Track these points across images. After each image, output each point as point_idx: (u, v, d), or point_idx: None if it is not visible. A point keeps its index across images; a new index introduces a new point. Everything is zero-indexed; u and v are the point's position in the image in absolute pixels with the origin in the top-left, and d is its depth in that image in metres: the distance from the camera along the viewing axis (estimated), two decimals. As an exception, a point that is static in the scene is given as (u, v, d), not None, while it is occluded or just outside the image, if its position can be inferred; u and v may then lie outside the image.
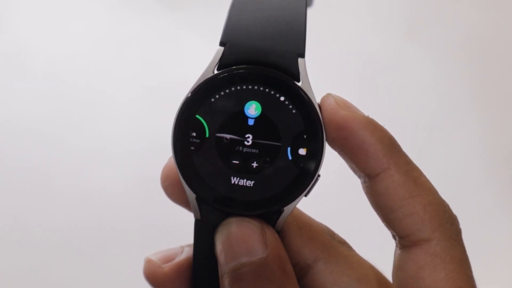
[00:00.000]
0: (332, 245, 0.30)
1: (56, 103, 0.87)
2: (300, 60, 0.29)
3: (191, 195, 0.29)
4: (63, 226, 0.81)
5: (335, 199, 0.75)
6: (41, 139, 0.85)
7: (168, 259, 0.32)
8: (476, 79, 0.90)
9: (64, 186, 0.83)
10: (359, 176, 0.29)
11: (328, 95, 0.29)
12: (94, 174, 0.84)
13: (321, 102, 0.29)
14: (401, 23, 0.94)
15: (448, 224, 0.28)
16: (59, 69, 0.90)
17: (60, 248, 0.80)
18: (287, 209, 0.29)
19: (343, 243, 0.31)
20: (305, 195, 0.29)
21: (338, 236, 0.31)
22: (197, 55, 0.92)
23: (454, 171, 0.85)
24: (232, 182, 0.29)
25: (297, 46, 0.29)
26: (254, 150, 0.29)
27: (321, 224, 0.31)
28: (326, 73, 0.89)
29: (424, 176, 0.29)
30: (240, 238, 0.28)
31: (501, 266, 0.79)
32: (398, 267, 0.29)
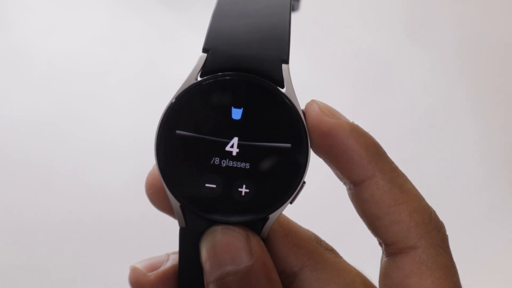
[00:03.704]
0: (318, 252, 0.30)
1: (58, 100, 0.88)
2: (284, 66, 0.29)
3: (175, 203, 0.29)
4: (64, 220, 0.81)
5: (321, 205, 0.75)
6: (43, 134, 0.86)
7: (153, 267, 0.31)
8: (475, 79, 0.90)
9: (66, 181, 0.84)
10: (345, 183, 0.29)
11: (313, 101, 0.29)
12: (95, 169, 0.85)
13: (305, 109, 0.29)
14: (400, 22, 0.93)
15: (434, 231, 0.28)
16: (61, 66, 0.90)
17: (61, 242, 0.81)
18: (273, 216, 0.28)
19: (330, 250, 0.31)
20: (291, 202, 0.29)
21: (324, 243, 0.31)
22: (197, 55, 0.92)
23: (452, 171, 0.84)
24: None
25: (281, 52, 0.29)
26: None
27: (308, 231, 0.31)
28: (325, 72, 0.89)
29: (410, 183, 0.29)
30: (225, 246, 0.28)
31: (500, 268, 0.79)
32: (384, 275, 0.29)
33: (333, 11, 0.95)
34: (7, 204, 0.82)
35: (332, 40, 0.93)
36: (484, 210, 0.83)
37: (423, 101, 0.89)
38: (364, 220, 0.29)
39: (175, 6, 0.96)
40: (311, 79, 0.87)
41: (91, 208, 0.83)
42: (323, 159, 0.29)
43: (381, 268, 0.29)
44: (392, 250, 0.28)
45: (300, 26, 0.93)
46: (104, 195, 0.84)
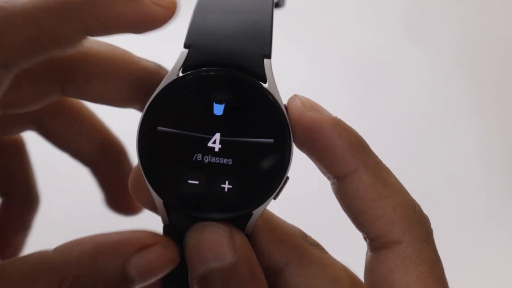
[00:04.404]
0: (304, 247, 0.30)
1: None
2: (266, 61, 0.28)
3: (158, 200, 0.29)
4: (64, 220, 0.81)
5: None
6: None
7: None
8: (475, 79, 0.90)
9: (66, 181, 0.84)
10: (328, 178, 0.29)
11: (295, 96, 0.29)
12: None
13: (287, 104, 0.29)
14: (400, 22, 0.93)
15: (418, 225, 0.28)
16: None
17: (61, 242, 0.81)
18: (256, 212, 0.28)
19: (316, 245, 0.31)
20: (274, 198, 0.28)
21: (310, 238, 0.31)
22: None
23: (452, 171, 0.84)
24: None
25: (262, 47, 0.29)
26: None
27: (293, 226, 0.31)
28: (325, 72, 0.89)
29: (394, 177, 0.28)
30: (209, 243, 0.28)
31: (499, 268, 0.78)
32: (369, 270, 0.29)
33: (333, 11, 0.95)
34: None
35: (332, 40, 0.93)
36: (484, 210, 0.82)
37: (423, 101, 0.88)
38: (348, 215, 0.29)
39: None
40: (311, 79, 0.87)
41: (91, 208, 0.83)
42: (307, 154, 0.29)
43: (366, 263, 0.29)
44: (376, 244, 0.28)
45: (300, 25, 0.93)
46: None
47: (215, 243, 0.28)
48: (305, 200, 0.71)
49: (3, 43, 0.25)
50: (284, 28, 0.79)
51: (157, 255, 0.28)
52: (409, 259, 0.27)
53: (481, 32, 0.92)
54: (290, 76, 0.89)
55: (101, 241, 0.27)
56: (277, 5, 0.34)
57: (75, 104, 0.38)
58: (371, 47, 0.92)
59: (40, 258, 0.26)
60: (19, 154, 0.40)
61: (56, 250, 0.27)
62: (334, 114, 0.29)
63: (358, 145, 0.28)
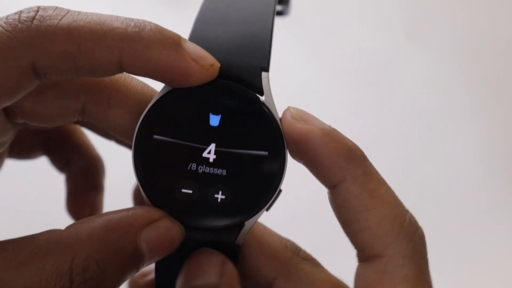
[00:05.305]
0: (293, 262, 0.30)
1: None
2: (263, 74, 0.29)
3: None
4: (64, 219, 0.81)
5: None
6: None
7: (144, 274, 0.32)
8: (475, 79, 0.90)
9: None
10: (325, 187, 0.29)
11: (287, 108, 0.29)
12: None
13: (281, 116, 0.29)
14: (400, 22, 0.93)
15: (404, 241, 0.27)
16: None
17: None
18: (248, 223, 0.29)
19: (308, 259, 0.30)
20: (267, 210, 0.29)
21: (303, 252, 0.31)
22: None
23: (452, 171, 0.84)
24: None
25: (261, 60, 0.29)
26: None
27: (285, 240, 0.31)
28: (325, 72, 0.89)
29: (385, 188, 0.28)
30: (202, 263, 0.28)
31: (499, 268, 0.78)
32: (355, 282, 0.29)
33: (333, 11, 0.95)
34: (8, 203, 0.83)
35: (332, 40, 0.93)
36: (484, 210, 0.82)
37: (423, 101, 0.88)
38: (340, 225, 0.29)
39: (175, 7, 0.96)
40: (311, 79, 0.87)
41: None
42: (303, 165, 0.29)
43: (354, 274, 0.29)
44: (361, 257, 0.28)
45: (301, 26, 0.93)
46: (104, 195, 0.84)
47: (207, 263, 0.28)
48: (301, 207, 0.71)
49: (40, 48, 0.26)
50: (285, 28, 0.79)
51: (166, 228, 0.27)
52: (388, 275, 0.27)
53: (481, 32, 0.92)
54: (290, 76, 0.89)
55: (110, 217, 0.27)
56: (281, 13, 0.34)
57: None
58: (371, 47, 0.91)
59: (51, 235, 0.26)
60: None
61: (67, 228, 0.27)
62: (328, 123, 0.29)
63: (347, 155, 0.27)
